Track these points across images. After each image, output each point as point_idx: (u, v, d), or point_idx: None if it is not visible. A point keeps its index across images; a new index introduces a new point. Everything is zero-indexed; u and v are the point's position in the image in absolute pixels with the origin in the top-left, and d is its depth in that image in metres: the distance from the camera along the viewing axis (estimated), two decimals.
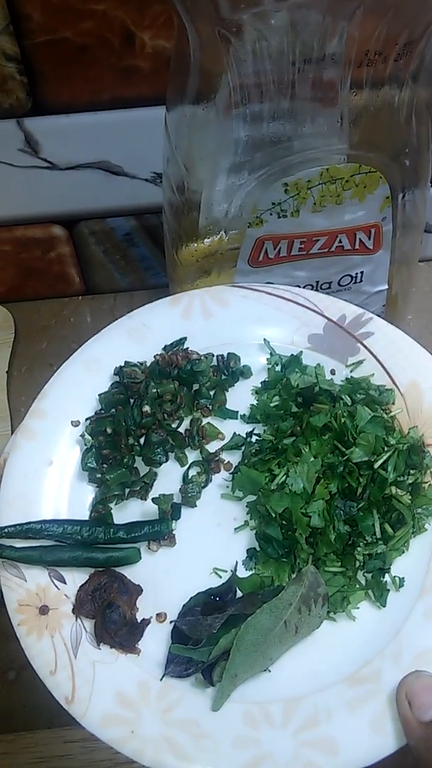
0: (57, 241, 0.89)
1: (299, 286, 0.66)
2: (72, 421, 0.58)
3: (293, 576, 0.52)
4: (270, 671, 0.49)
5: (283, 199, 0.60)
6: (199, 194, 0.62)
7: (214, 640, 0.48)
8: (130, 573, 0.53)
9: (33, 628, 0.50)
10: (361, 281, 0.69)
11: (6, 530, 0.52)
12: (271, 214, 0.61)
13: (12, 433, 0.80)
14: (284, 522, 0.53)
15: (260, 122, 0.56)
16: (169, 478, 0.58)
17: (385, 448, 0.54)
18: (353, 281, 0.69)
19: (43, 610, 0.50)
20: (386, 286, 0.71)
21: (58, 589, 0.51)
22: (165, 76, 0.61)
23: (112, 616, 0.50)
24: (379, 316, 0.73)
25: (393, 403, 0.59)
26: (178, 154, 0.62)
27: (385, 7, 0.49)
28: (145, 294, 0.96)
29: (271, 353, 0.63)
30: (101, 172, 0.81)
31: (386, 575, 0.53)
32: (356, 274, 0.68)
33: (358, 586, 0.52)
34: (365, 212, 0.63)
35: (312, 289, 0.68)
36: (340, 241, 0.64)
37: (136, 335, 0.63)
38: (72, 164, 0.80)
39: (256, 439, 0.59)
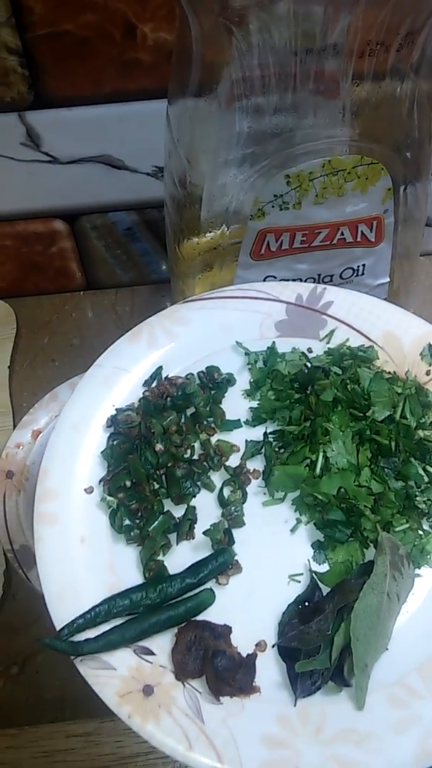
0: (58, 235, 0.89)
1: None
2: (85, 489, 0.56)
3: (365, 551, 0.52)
4: (388, 649, 0.48)
5: (285, 191, 0.60)
6: (201, 187, 0.61)
7: (327, 642, 0.46)
8: (212, 616, 0.50)
9: (147, 714, 0.46)
10: (362, 274, 0.69)
11: (75, 624, 0.48)
12: (272, 207, 0.61)
13: (14, 428, 0.81)
14: (341, 502, 0.53)
15: (262, 114, 0.56)
16: (204, 508, 0.56)
17: (397, 399, 0.56)
18: (355, 274, 0.69)
19: (147, 690, 0.47)
20: (388, 279, 0.71)
21: (151, 663, 0.48)
22: (166, 68, 0.60)
23: (222, 664, 0.46)
24: None
25: (377, 358, 0.61)
26: (180, 147, 0.61)
27: None
28: (147, 289, 0.97)
29: (246, 353, 0.63)
30: (102, 166, 0.81)
31: None
32: (358, 266, 0.68)
33: (428, 534, 0.53)
34: (367, 204, 0.62)
35: (314, 282, 0.68)
36: (342, 234, 0.64)
37: (112, 381, 0.61)
38: (73, 158, 0.80)
39: (274, 437, 0.58)
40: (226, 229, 0.64)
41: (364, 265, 0.69)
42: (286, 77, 0.53)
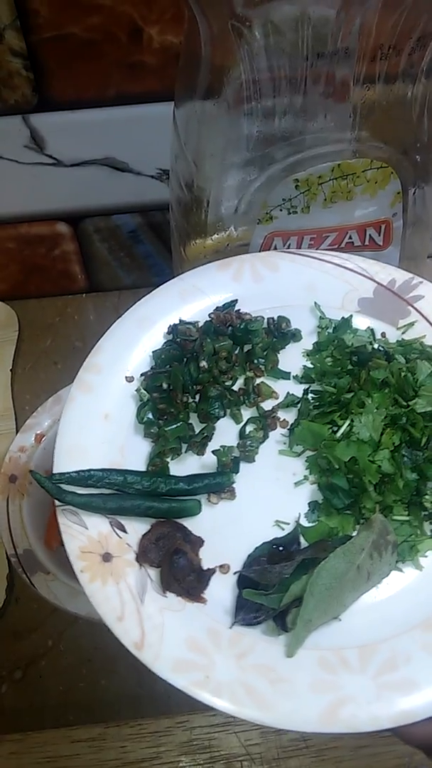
0: (61, 238, 0.89)
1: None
2: (126, 377, 0.58)
3: (357, 528, 0.52)
4: (340, 620, 0.49)
5: (293, 195, 0.60)
6: (208, 191, 0.61)
7: (284, 587, 0.47)
8: (191, 525, 0.53)
9: (96, 574, 0.49)
10: None
11: (68, 476, 0.52)
12: (281, 210, 0.61)
13: (17, 432, 0.80)
14: (350, 472, 0.53)
15: (271, 117, 0.56)
16: (224, 435, 0.57)
17: None
18: None
19: (106, 557, 0.50)
20: None
21: (120, 537, 0.51)
22: (172, 71, 0.60)
23: (179, 562, 0.49)
24: None
25: None
26: (187, 150, 0.61)
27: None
28: (149, 291, 0.96)
29: (321, 316, 0.62)
30: (106, 168, 0.81)
31: None
32: None
33: (425, 535, 0.52)
34: (376, 208, 0.62)
35: None
36: (350, 238, 0.64)
37: (188, 296, 0.62)
38: (77, 161, 0.80)
39: (313, 396, 0.58)
40: (233, 232, 0.64)
41: None
42: (295, 80, 0.53)
